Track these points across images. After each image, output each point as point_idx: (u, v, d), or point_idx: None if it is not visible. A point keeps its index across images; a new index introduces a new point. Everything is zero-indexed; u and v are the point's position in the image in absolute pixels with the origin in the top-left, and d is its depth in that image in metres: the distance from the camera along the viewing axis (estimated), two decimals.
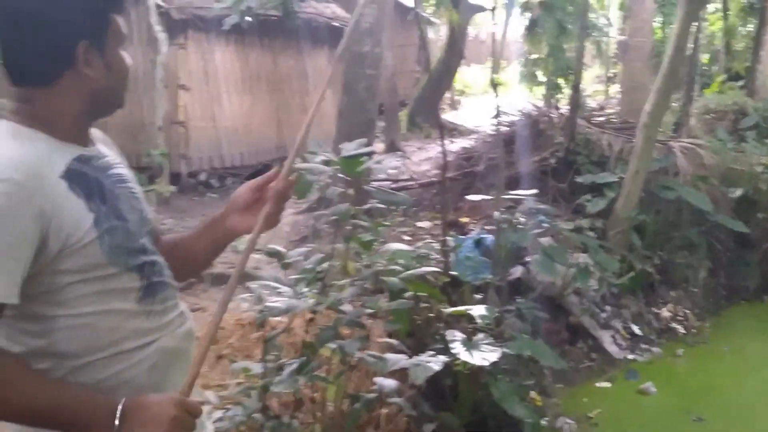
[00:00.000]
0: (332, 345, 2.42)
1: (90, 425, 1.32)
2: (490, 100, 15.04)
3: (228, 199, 1.71)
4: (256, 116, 10.97)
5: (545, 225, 5.56)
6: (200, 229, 1.74)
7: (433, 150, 9.83)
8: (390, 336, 4.72)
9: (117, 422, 1.30)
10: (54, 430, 1.37)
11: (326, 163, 2.51)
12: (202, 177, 10.08)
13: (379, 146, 12.08)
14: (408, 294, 4.61)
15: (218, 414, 2.61)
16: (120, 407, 1.32)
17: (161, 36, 8.94)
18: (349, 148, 2.50)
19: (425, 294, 4.79)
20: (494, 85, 5.49)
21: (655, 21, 9.71)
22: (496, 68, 5.73)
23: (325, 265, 2.48)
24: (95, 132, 1.58)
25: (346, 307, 2.45)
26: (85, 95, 1.44)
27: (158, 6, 9.29)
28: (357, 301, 2.51)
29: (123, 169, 1.57)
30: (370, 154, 2.40)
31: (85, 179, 1.41)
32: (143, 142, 9.47)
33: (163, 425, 1.31)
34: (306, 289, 2.45)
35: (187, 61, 9.88)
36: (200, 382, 3.60)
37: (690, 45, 9.48)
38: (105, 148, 1.58)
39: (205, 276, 5.91)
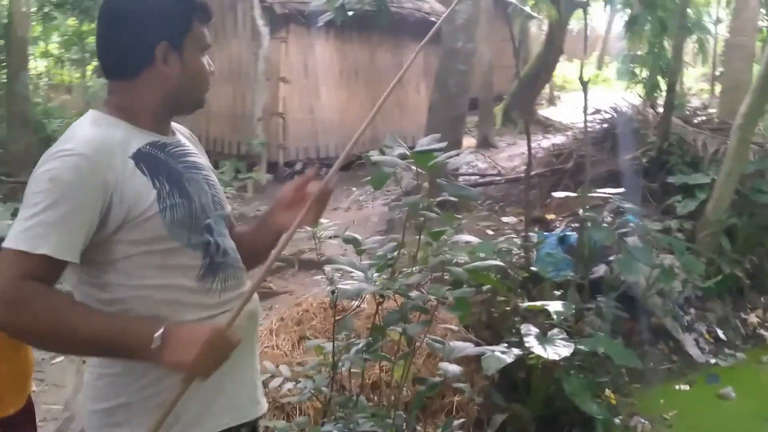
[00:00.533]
0: (398, 328, 2.58)
1: (132, 347, 1.45)
2: (589, 95, 14.87)
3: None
4: (352, 109, 11.22)
5: (632, 224, 5.55)
6: (257, 224, 1.93)
7: (525, 146, 9.83)
8: (467, 327, 4.88)
9: (155, 342, 1.42)
10: (99, 355, 1.57)
11: (402, 156, 2.66)
12: (298, 167, 10.41)
13: (470, 141, 12.15)
14: (486, 287, 4.79)
15: (289, 386, 2.81)
16: (161, 330, 1.44)
17: (264, 30, 9.30)
18: (424, 143, 2.64)
19: (508, 287, 4.92)
20: (583, 82, 5.49)
21: (761, 20, 9.38)
22: (584, 65, 5.72)
23: (395, 253, 2.64)
24: (180, 127, 1.79)
25: (415, 294, 2.59)
26: (162, 91, 1.64)
27: (262, 1, 9.65)
28: (424, 288, 2.65)
29: (200, 159, 1.76)
30: (441, 150, 2.52)
31: (154, 160, 1.59)
32: (244, 132, 9.89)
33: (196, 347, 1.44)
34: (376, 275, 2.61)
35: (288, 54, 10.21)
36: (283, 360, 3.84)
37: None
38: (186, 140, 1.78)
39: (294, 261, 6.19)
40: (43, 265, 1.40)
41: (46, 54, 17.08)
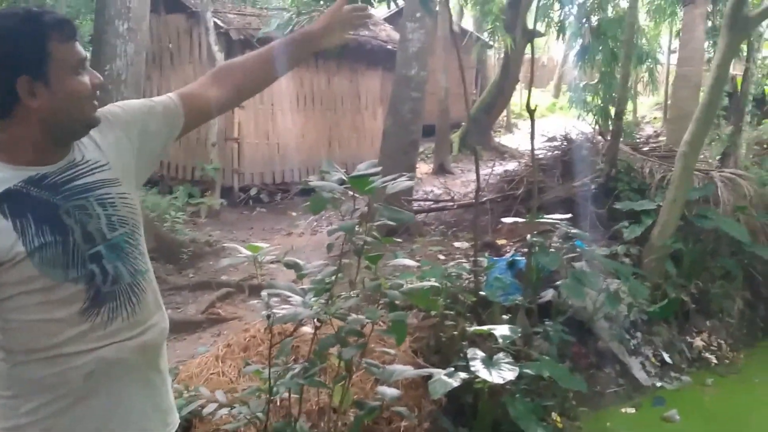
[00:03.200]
0: (333, 350, 2.58)
1: None
2: (546, 123, 15.16)
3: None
4: (309, 134, 11.26)
5: (579, 249, 5.64)
6: (284, 43, 2.06)
7: (482, 172, 9.95)
8: (415, 352, 4.89)
9: None
10: None
11: (340, 182, 2.68)
12: (253, 192, 10.39)
13: (426, 167, 12.26)
14: (434, 312, 4.82)
15: (223, 411, 2.80)
16: None
17: (219, 55, 9.31)
18: (361, 168, 2.67)
19: (451, 312, 4.96)
20: (530, 110, 5.59)
21: (708, 51, 9.65)
22: (531, 93, 5.82)
23: (333, 277, 2.65)
24: (100, 114, 1.69)
25: (352, 317, 2.60)
26: (37, 125, 1.56)
27: (217, 26, 9.67)
28: (361, 312, 2.67)
29: (98, 174, 1.66)
30: (376, 174, 2.55)
31: (22, 200, 1.53)
32: (198, 157, 9.85)
33: None
34: (315, 299, 2.61)
35: None
36: (228, 387, 3.80)
37: (738, 75, 9.44)
38: (89, 152, 1.68)
39: (243, 286, 6.15)
40: None
41: None
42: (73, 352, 1.57)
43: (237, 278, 6.49)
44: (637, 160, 7.41)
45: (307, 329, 4.08)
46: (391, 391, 2.77)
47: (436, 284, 3.14)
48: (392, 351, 3.25)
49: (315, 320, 2.69)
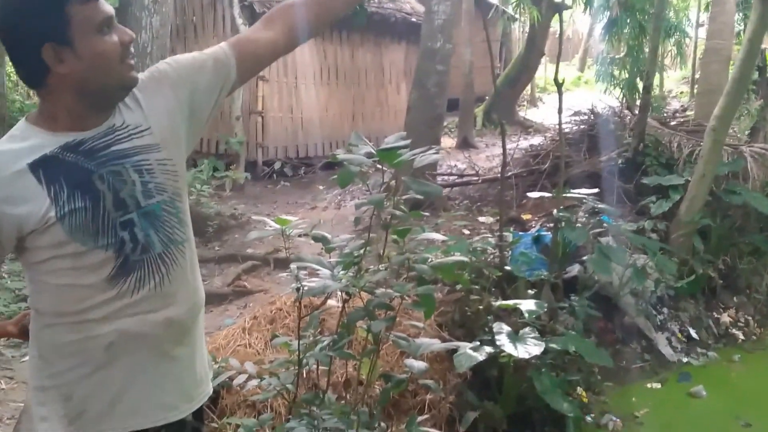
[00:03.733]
0: (361, 324, 2.59)
1: None
2: (571, 97, 15.03)
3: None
4: (332, 108, 11.24)
5: (606, 224, 5.60)
6: None
7: (507, 146, 9.88)
8: (440, 326, 4.90)
9: None
10: None
11: (369, 155, 2.67)
12: (277, 166, 10.41)
13: (450, 141, 12.20)
14: (459, 286, 4.82)
15: (254, 383, 2.82)
16: None
17: (243, 28, 9.29)
18: (389, 141, 2.65)
19: (476, 286, 4.95)
20: (558, 83, 5.52)
21: (738, 24, 9.47)
22: (558, 66, 5.75)
23: (362, 250, 2.65)
24: (139, 78, 1.66)
25: (380, 291, 2.60)
26: (71, 91, 1.54)
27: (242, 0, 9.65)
28: (389, 285, 2.66)
29: (137, 140, 1.63)
30: (405, 147, 2.54)
31: (57, 165, 1.54)
32: (222, 131, 9.88)
33: None
34: (343, 273, 2.61)
35: None
36: (255, 358, 3.84)
37: None
38: (131, 113, 1.65)
39: (269, 259, 6.19)
40: None
41: None
42: (97, 318, 1.59)
43: (262, 251, 6.53)
44: (665, 135, 7.31)
45: (334, 303, 4.11)
46: (418, 364, 2.77)
47: (464, 258, 3.12)
48: (420, 324, 3.25)
49: (343, 293, 2.69)
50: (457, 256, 3.24)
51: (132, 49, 1.62)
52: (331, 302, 4.07)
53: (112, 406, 1.64)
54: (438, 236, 2.99)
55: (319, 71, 11.01)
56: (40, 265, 1.58)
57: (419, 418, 2.82)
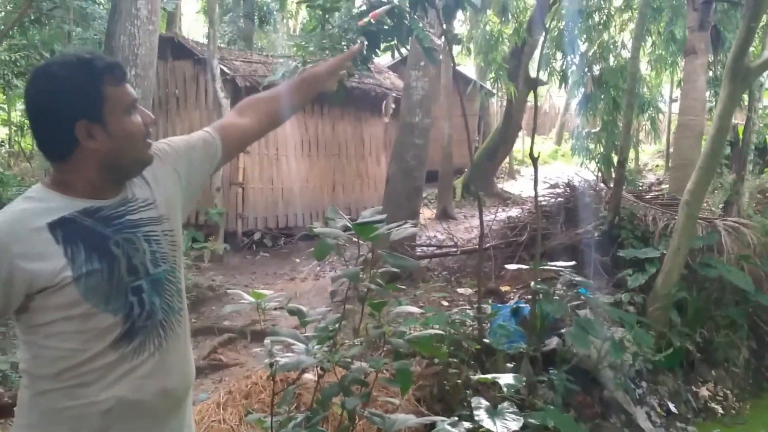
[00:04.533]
0: (335, 400, 2.56)
1: None
2: (548, 170, 15.24)
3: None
4: (313, 179, 11.32)
5: (584, 297, 5.61)
6: (296, 84, 2.22)
7: (485, 218, 9.96)
8: (419, 401, 4.84)
9: None
10: None
11: (345, 228, 2.69)
12: (257, 236, 10.40)
13: (430, 213, 12.29)
14: (437, 360, 4.78)
15: None
16: None
17: (225, 102, 9.42)
18: (365, 215, 2.68)
19: (455, 360, 4.92)
20: (533, 157, 5.62)
21: (710, 101, 9.73)
22: (533, 141, 5.86)
23: (337, 324, 2.64)
24: (153, 150, 1.79)
25: (356, 366, 2.58)
26: (95, 164, 1.65)
27: (224, 73, 9.79)
28: (364, 360, 2.65)
29: (145, 212, 1.74)
30: (380, 221, 2.56)
31: (75, 229, 1.60)
32: (202, 202, 9.89)
33: None
34: (318, 347, 2.60)
35: None
36: None
37: (740, 124, 9.50)
38: (140, 188, 1.77)
39: (246, 332, 6.12)
40: None
41: (6, 122, 17.03)
42: (96, 384, 1.61)
43: (239, 324, 6.47)
44: (641, 208, 7.41)
45: (310, 377, 4.05)
46: None
47: (440, 331, 3.11)
48: (396, 401, 3.21)
49: (318, 368, 2.66)
50: (435, 329, 3.24)
51: (150, 131, 1.74)
52: (307, 376, 4.02)
53: None
54: (414, 309, 2.99)
55: (300, 143, 11.13)
56: (44, 327, 1.60)
57: None
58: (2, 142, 16.65)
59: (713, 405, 5.93)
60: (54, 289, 1.56)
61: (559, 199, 7.99)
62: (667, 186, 9.12)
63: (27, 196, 1.64)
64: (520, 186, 16.46)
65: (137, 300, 1.66)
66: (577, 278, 5.46)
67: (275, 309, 2.92)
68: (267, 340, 2.68)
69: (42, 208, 1.60)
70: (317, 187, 11.41)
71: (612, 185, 7.69)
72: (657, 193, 8.42)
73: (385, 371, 2.68)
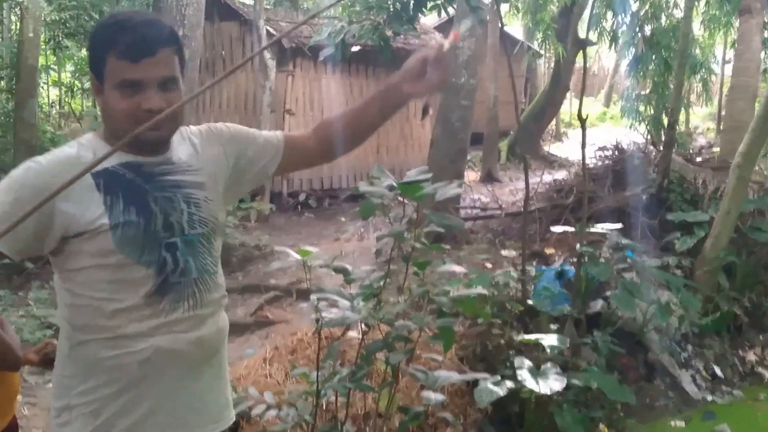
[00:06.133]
0: (379, 355, 2.60)
1: None
2: (596, 132, 15.00)
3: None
4: None
5: (630, 260, 5.56)
6: (371, 98, 1.96)
7: (530, 181, 9.88)
8: (461, 360, 4.88)
9: None
10: None
11: (390, 187, 2.70)
12: (302, 197, 10.48)
13: (473, 175, 12.22)
14: (481, 320, 4.80)
15: (272, 413, 2.84)
16: None
17: (270, 63, 9.45)
18: (411, 175, 2.69)
19: (498, 320, 4.93)
20: (581, 119, 5.55)
21: (764, 62, 9.45)
22: (582, 102, 5.77)
23: (381, 282, 2.67)
24: (194, 131, 1.84)
25: (399, 323, 2.62)
26: (105, 116, 1.71)
27: (269, 34, 9.80)
28: (408, 317, 2.68)
29: (189, 177, 1.75)
30: (426, 181, 2.57)
31: (116, 180, 1.64)
32: None
33: None
34: (362, 304, 2.64)
35: (294, 87, 10.35)
36: (275, 389, 3.85)
37: None
38: (184, 156, 1.77)
39: (291, 290, 6.22)
40: None
41: (58, 83, 17.32)
42: (133, 334, 1.64)
43: (285, 282, 6.56)
44: (690, 171, 7.29)
45: (354, 334, 4.12)
46: (436, 397, 2.78)
47: (484, 292, 3.13)
48: (439, 357, 3.25)
49: (362, 325, 2.71)
50: (478, 290, 3.25)
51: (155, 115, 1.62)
52: (351, 334, 4.08)
53: (141, 425, 1.67)
54: (459, 269, 3.01)
55: (344, 105, 11.10)
56: (78, 273, 1.64)
57: None
58: (53, 102, 16.97)
59: (760, 370, 5.86)
60: (90, 235, 1.60)
61: (607, 161, 7.89)
62: (718, 149, 8.94)
63: (79, 143, 1.70)
64: (566, 149, 16.24)
65: (171, 257, 1.68)
66: (623, 241, 5.41)
67: (320, 267, 2.95)
68: (313, 297, 2.73)
69: (88, 156, 1.64)
70: (361, 149, 11.34)
71: (662, 148, 7.57)
72: (707, 157, 8.27)
73: (427, 330, 2.71)
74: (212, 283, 1.77)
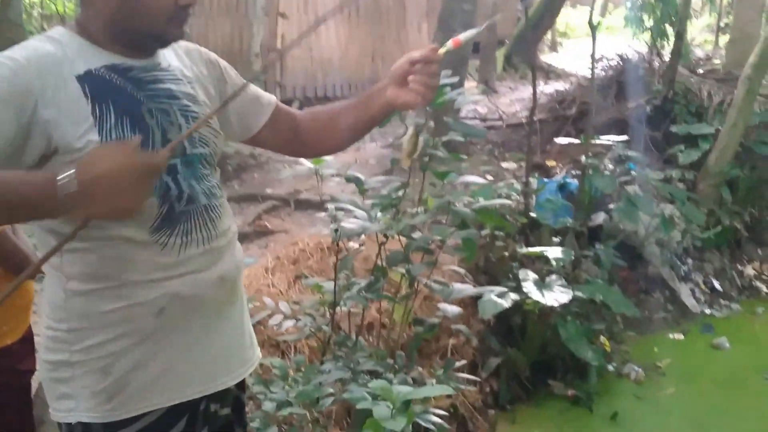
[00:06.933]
0: (401, 269, 2.53)
1: (35, 200, 1.17)
2: (596, 41, 14.62)
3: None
4: (352, 48, 11.02)
5: (633, 173, 5.49)
6: (352, 103, 1.67)
7: (527, 91, 9.69)
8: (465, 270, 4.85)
9: (63, 188, 1.14)
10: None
11: None
12: (295, 105, 10.27)
13: (471, 84, 11.99)
14: (484, 232, 4.74)
15: (288, 323, 2.78)
16: (71, 171, 1.15)
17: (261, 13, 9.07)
18: None
19: (501, 232, 4.88)
20: (592, 26, 5.37)
21: None
22: (594, 10, 5.58)
23: (400, 192, 2.58)
24: (183, 45, 1.56)
25: (417, 234, 2.54)
26: (108, 10, 1.38)
27: None
28: (428, 229, 2.60)
29: (182, 87, 1.48)
30: (451, 85, 2.45)
31: (104, 85, 1.35)
32: (240, 68, 9.70)
33: (115, 178, 1.15)
34: (380, 214, 2.55)
35: None
36: (279, 299, 3.81)
37: None
38: (174, 63, 1.51)
39: (290, 200, 6.13)
40: None
41: None
42: (143, 281, 1.39)
43: (282, 192, 6.46)
44: (694, 83, 7.14)
45: (354, 245, 4.06)
46: (452, 309, 2.73)
47: (508, 202, 3.05)
48: (460, 270, 3.18)
49: (378, 236, 2.63)
50: (501, 200, 3.16)
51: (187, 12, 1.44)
52: (352, 244, 4.02)
53: (160, 378, 1.45)
54: (478, 179, 2.92)
55: (340, 8, 10.76)
56: None
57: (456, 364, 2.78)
58: (34, 4, 16.39)
59: (758, 284, 5.90)
60: (75, 154, 1.29)
61: (610, 72, 7.71)
62: (718, 61, 8.77)
63: (51, 37, 1.37)
64: (562, 59, 15.94)
65: (173, 181, 1.41)
66: (627, 153, 5.34)
67: (327, 176, 2.84)
68: (330, 206, 2.63)
69: (68, 55, 1.34)
70: (356, 57, 11.12)
71: (666, 59, 7.40)
72: (711, 68, 8.10)
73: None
74: (222, 210, 1.53)
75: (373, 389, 1.84)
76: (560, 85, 9.31)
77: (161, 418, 1.47)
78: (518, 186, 5.33)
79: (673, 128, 6.54)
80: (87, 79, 1.34)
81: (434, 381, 2.45)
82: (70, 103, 1.31)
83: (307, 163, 2.81)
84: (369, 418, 1.82)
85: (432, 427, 1.99)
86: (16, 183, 1.18)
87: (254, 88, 1.72)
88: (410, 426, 1.87)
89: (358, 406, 1.86)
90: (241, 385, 1.70)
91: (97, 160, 1.16)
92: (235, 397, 1.68)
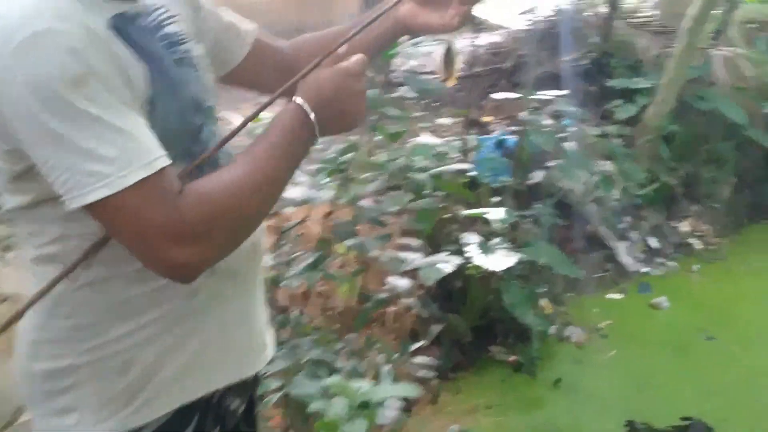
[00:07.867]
0: (350, 242, 2.28)
1: (304, 137, 1.16)
2: None
3: None
4: None
5: (571, 129, 5.34)
6: (350, 27, 1.38)
7: (458, 44, 9.44)
8: (408, 235, 4.63)
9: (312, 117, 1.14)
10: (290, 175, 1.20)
11: None
12: None
13: (402, 38, 11.69)
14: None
15: None
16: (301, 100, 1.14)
17: None
18: None
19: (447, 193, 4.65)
20: None
21: None
22: None
23: (348, 156, 2.30)
24: None
25: (366, 203, 2.28)
26: None
27: None
28: (380, 196, 2.35)
29: (178, 26, 1.24)
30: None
31: (132, 32, 1.10)
32: None
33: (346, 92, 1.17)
34: (326, 180, 2.28)
35: None
36: None
37: None
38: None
39: None
40: (168, 174, 1.03)
41: None
42: None
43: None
44: (630, 35, 7.02)
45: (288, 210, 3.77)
46: (403, 282, 2.51)
47: (466, 167, 2.83)
48: (418, 241, 2.95)
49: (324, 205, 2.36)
50: (459, 166, 2.93)
51: None
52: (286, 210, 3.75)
53: (186, 372, 1.22)
54: (434, 139, 2.67)
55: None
56: None
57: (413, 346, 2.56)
58: None
59: (692, 241, 5.87)
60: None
61: (545, 24, 7.51)
62: (653, 13, 8.68)
63: (57, 15, 1.01)
64: (489, 11, 15.73)
65: (198, 145, 1.21)
66: (566, 108, 5.20)
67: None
68: None
69: (80, 6, 1.02)
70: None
71: (601, 9, 7.24)
72: (645, 20, 7.98)
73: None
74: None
75: (329, 386, 1.59)
76: (493, 38, 9.08)
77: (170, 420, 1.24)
78: (457, 144, 5.14)
79: (610, 82, 6.40)
80: (116, 27, 1.08)
81: (385, 364, 2.23)
82: (124, 56, 1.08)
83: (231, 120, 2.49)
84: (321, 420, 1.58)
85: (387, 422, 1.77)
86: (277, 140, 1.14)
87: (230, 13, 1.45)
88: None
89: (311, 408, 1.61)
90: (255, 380, 1.47)
91: (316, 84, 1.17)
92: (251, 388, 1.46)
